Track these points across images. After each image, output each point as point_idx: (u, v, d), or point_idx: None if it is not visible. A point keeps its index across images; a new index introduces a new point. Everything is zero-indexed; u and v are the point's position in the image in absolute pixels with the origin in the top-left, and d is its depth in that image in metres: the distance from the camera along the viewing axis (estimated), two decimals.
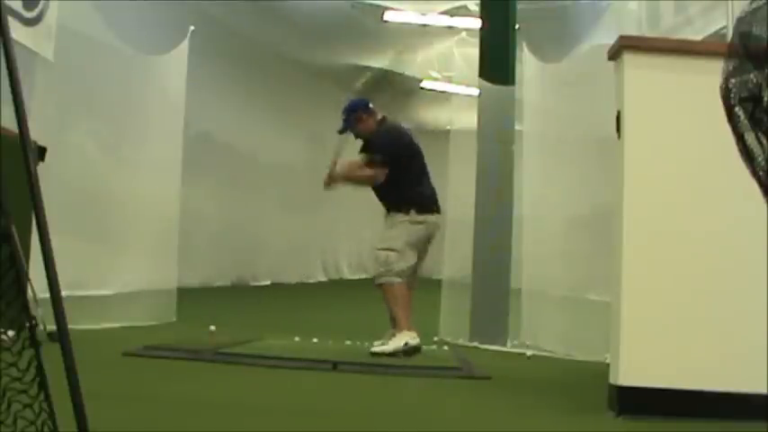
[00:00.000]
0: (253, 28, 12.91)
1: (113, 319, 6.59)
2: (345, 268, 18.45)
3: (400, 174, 5.83)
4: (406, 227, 5.77)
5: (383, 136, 5.94)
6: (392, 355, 5.47)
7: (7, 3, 2.98)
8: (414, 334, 5.66)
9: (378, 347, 5.59)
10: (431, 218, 5.87)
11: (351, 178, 6.00)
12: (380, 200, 5.97)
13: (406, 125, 6.58)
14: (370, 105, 6.08)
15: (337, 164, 5.99)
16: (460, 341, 7.17)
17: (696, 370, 3.44)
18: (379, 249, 5.76)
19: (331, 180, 5.98)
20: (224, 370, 4.74)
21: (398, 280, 5.67)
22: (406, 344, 5.59)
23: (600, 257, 4.77)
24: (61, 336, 1.79)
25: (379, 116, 6.04)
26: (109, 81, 7.06)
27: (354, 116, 5.96)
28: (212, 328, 6.22)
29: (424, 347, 6.53)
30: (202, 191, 11.99)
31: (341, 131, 6.00)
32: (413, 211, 5.79)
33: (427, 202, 5.89)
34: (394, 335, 5.68)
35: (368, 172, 5.84)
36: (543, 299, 6.84)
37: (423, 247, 5.87)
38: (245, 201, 13.99)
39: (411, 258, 5.74)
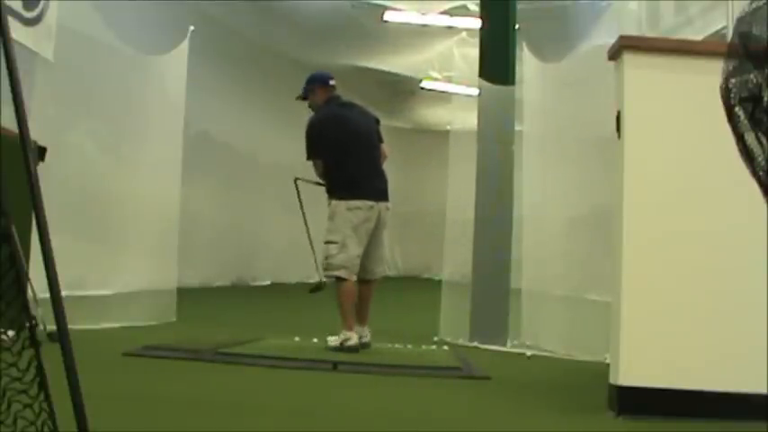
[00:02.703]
0: (253, 28, 12.89)
1: (113, 319, 6.59)
2: None
3: (329, 160, 5.92)
4: (346, 214, 5.83)
5: (307, 127, 6.07)
6: (333, 349, 5.64)
7: (7, 3, 2.98)
8: (352, 334, 5.71)
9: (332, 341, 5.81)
10: (367, 203, 5.86)
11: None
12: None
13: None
14: (331, 82, 6.19)
15: None
16: (460, 341, 7.16)
17: (696, 370, 3.44)
18: (324, 243, 5.88)
19: None
20: (224, 370, 4.74)
21: (342, 273, 5.74)
22: (341, 344, 5.68)
23: (600, 257, 4.78)
24: (61, 336, 1.79)
25: (329, 96, 6.12)
26: (109, 81, 7.06)
27: (310, 87, 6.16)
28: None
29: (424, 347, 6.55)
30: (202, 191, 11.98)
31: (298, 98, 6.21)
32: (346, 197, 5.84)
33: (358, 187, 5.90)
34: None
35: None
36: (543, 299, 6.84)
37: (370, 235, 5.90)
38: (245, 201, 13.98)
39: (354, 249, 5.79)
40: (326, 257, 5.84)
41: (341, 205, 5.86)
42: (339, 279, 5.79)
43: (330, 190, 5.99)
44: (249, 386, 4.28)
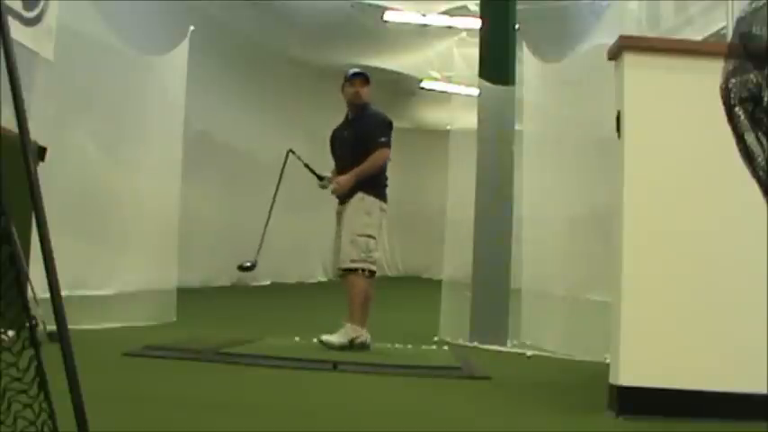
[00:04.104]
0: (253, 28, 12.89)
1: (113, 319, 6.59)
2: None
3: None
4: (379, 214, 5.92)
5: (381, 116, 6.12)
6: (341, 348, 5.62)
7: (7, 3, 2.98)
8: (364, 331, 5.75)
9: (326, 336, 5.75)
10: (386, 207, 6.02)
11: (366, 171, 5.92)
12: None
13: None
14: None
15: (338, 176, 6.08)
16: (460, 341, 7.17)
17: (696, 370, 3.44)
18: (359, 235, 5.81)
19: (342, 187, 6.00)
20: (224, 370, 4.74)
21: (375, 268, 5.84)
22: (351, 342, 5.70)
23: (600, 257, 4.77)
24: (61, 336, 1.79)
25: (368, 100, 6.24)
26: (109, 81, 7.07)
27: (368, 83, 6.15)
28: None
29: (424, 347, 6.55)
30: (202, 191, 11.98)
31: (355, 75, 6.12)
32: (381, 198, 5.95)
33: (385, 190, 6.04)
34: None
35: (378, 155, 5.91)
36: (543, 299, 6.84)
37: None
38: (245, 201, 13.95)
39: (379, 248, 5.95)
40: (367, 251, 5.82)
41: (377, 204, 5.95)
42: (354, 272, 5.81)
43: (368, 185, 5.93)
44: (249, 386, 4.28)
